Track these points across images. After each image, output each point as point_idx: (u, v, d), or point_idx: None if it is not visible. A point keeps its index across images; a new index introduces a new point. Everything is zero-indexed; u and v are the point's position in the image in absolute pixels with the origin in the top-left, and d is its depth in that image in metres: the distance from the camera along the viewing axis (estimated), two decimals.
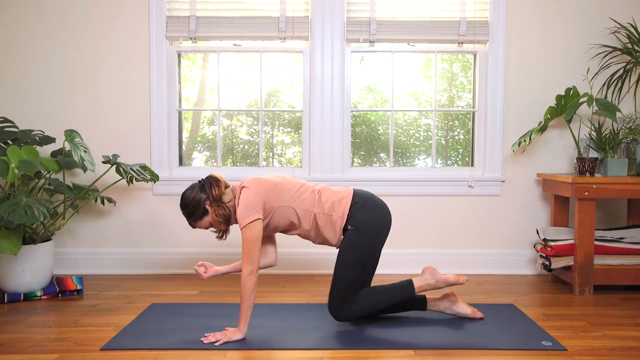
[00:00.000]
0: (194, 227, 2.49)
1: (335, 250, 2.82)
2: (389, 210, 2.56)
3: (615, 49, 3.47)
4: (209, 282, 3.35)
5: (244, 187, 2.41)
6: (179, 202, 2.47)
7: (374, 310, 2.49)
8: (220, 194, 2.43)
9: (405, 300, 2.53)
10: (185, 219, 2.50)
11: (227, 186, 2.49)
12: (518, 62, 3.57)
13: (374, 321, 2.59)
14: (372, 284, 2.56)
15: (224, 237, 2.55)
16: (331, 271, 3.53)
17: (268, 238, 2.69)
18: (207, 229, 2.50)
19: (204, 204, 2.41)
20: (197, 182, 2.48)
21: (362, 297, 2.45)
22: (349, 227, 2.46)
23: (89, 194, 3.28)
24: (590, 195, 3.04)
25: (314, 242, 2.57)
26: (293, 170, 3.64)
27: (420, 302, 2.62)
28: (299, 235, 2.55)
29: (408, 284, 2.49)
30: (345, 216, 2.45)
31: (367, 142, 3.82)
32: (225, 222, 2.45)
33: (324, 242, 2.55)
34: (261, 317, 2.63)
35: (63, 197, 3.24)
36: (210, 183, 2.44)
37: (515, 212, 3.62)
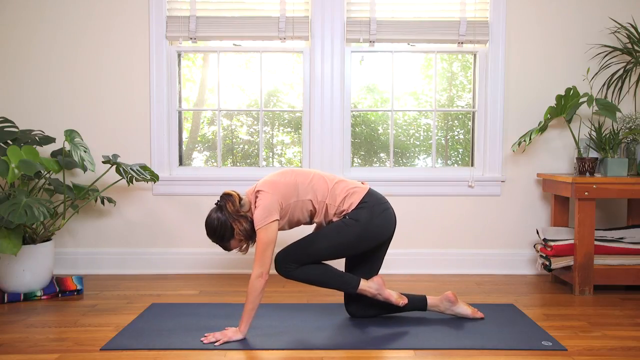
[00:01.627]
0: (228, 248, 2.48)
1: None
2: (393, 222, 2.57)
3: (615, 49, 3.47)
4: (209, 282, 3.35)
5: (259, 191, 2.42)
6: (206, 232, 2.45)
7: (311, 283, 2.49)
8: (236, 208, 2.43)
9: (341, 290, 2.54)
10: (217, 244, 2.48)
11: (241, 198, 2.48)
12: (518, 62, 3.57)
13: (374, 321, 2.59)
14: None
15: (246, 251, 2.55)
16: None
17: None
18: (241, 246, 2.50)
19: (230, 223, 2.41)
20: (214, 205, 2.48)
21: (312, 268, 2.48)
22: (347, 217, 2.48)
23: (89, 194, 3.28)
24: (590, 195, 3.04)
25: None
26: None
27: (420, 302, 2.62)
28: (317, 222, 2.57)
29: (354, 281, 2.51)
30: (351, 210, 2.48)
31: (367, 142, 3.82)
32: (246, 237, 2.45)
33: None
34: (261, 317, 2.62)
35: (63, 197, 3.24)
36: (225, 201, 2.44)
37: (515, 212, 3.61)
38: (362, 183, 2.60)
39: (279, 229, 2.43)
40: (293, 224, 2.55)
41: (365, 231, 2.46)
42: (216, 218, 2.41)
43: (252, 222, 2.42)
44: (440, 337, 2.38)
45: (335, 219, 2.51)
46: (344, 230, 2.46)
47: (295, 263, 2.45)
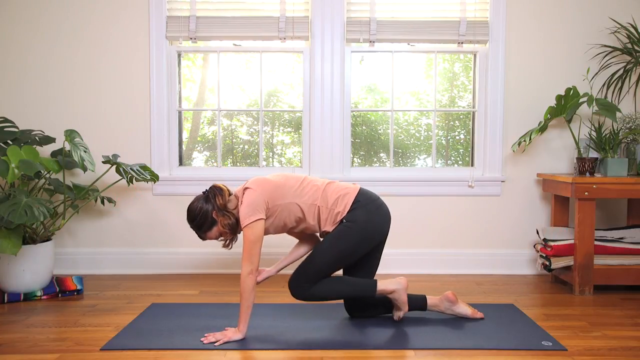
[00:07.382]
0: (204, 238, 2.48)
1: None
2: (389, 218, 2.56)
3: (615, 49, 3.47)
4: (209, 282, 3.35)
5: (247, 188, 2.41)
6: (186, 216, 2.45)
7: (329, 297, 2.49)
8: (224, 202, 2.42)
9: (361, 296, 2.53)
10: (193, 230, 2.47)
11: (230, 193, 2.48)
12: (518, 62, 3.57)
13: (373, 321, 2.59)
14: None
15: (230, 247, 2.54)
16: None
17: (309, 237, 2.70)
18: (217, 239, 2.49)
19: (211, 214, 2.41)
20: (201, 193, 2.48)
21: (325, 283, 2.46)
22: (344, 220, 2.47)
23: (89, 194, 3.28)
24: (590, 195, 3.04)
25: (320, 236, 2.59)
26: (293, 170, 3.65)
27: (420, 302, 2.62)
28: (305, 229, 2.55)
29: (371, 284, 2.49)
30: (346, 212, 2.47)
31: (367, 142, 3.82)
32: (231, 231, 2.45)
33: (325, 234, 2.57)
34: (261, 317, 2.63)
35: (63, 197, 3.25)
36: (214, 193, 2.43)
37: (515, 212, 3.61)
38: (353, 184, 2.59)
39: (264, 233, 2.42)
40: (279, 229, 2.51)
41: (365, 230, 2.46)
42: (199, 207, 2.41)
43: (237, 219, 2.43)
44: (440, 337, 2.38)
45: (329, 228, 2.49)
46: (344, 234, 2.44)
47: (307, 283, 2.43)
